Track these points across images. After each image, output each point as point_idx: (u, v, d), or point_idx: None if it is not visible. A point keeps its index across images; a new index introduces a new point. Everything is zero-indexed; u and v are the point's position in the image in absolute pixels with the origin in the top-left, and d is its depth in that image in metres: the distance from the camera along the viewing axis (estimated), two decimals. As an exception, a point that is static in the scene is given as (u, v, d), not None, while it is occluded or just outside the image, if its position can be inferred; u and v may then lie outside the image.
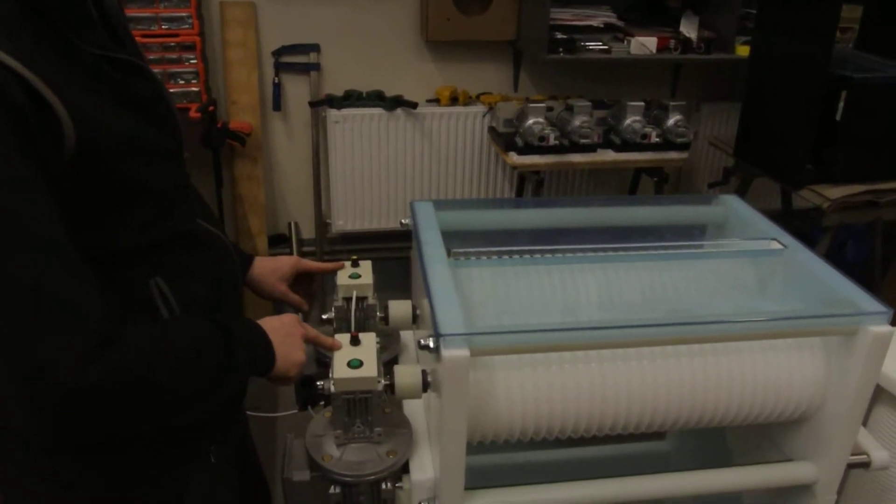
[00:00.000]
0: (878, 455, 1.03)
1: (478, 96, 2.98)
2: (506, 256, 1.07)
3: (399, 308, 1.10)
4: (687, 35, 2.78)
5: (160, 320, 0.83)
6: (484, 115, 2.91)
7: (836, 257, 1.08)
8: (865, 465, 1.03)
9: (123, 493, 0.89)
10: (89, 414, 0.70)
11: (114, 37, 0.84)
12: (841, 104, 2.11)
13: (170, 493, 0.92)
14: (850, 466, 1.01)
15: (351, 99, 2.85)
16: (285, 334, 0.95)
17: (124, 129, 0.79)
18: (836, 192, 2.16)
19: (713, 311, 1.06)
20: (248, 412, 1.20)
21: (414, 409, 1.05)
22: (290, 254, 3.13)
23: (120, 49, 0.82)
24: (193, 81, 2.64)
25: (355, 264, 1.13)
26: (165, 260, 0.86)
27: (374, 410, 0.95)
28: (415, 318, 1.11)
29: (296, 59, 2.85)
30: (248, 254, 1.17)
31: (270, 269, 1.17)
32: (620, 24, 2.85)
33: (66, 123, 0.71)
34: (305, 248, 3.13)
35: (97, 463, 0.87)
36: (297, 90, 2.90)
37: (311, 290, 1.23)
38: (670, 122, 2.65)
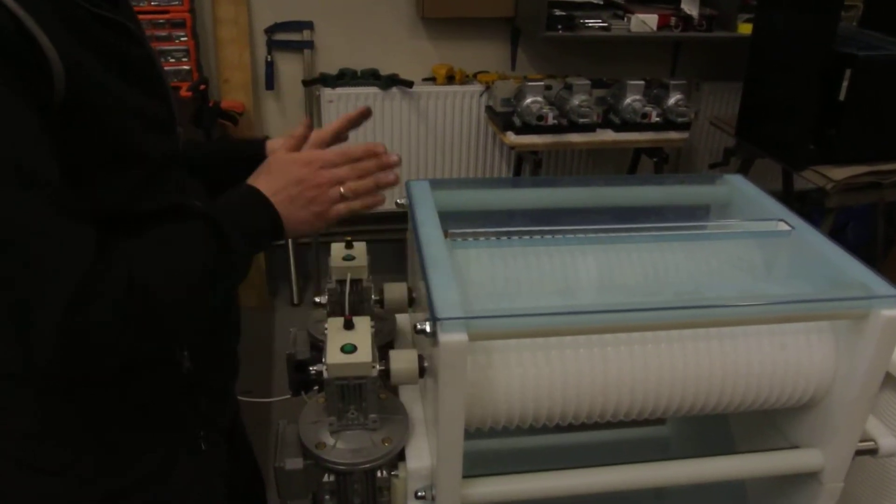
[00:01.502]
0: (886, 442, 1.01)
1: (475, 75, 2.93)
2: (504, 237, 1.04)
3: (395, 291, 1.07)
4: (688, 12, 2.73)
5: (144, 237, 0.78)
6: (481, 95, 2.87)
7: (836, 239, 1.05)
8: (873, 451, 1.00)
9: (107, 478, 0.86)
10: (88, 347, 0.68)
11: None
12: (845, 83, 2.08)
13: (155, 480, 0.89)
14: (858, 453, 0.99)
15: (345, 78, 2.80)
16: (292, 196, 0.84)
17: (113, 87, 0.76)
18: (838, 173, 2.13)
19: (718, 294, 1.03)
20: (241, 397, 1.17)
21: (410, 395, 1.02)
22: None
23: (114, 10, 0.79)
24: (184, 59, 2.59)
25: (349, 245, 1.10)
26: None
27: (369, 397, 0.92)
28: (411, 302, 1.08)
29: (289, 36, 2.79)
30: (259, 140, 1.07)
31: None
32: (620, 0, 2.80)
33: (57, 68, 0.68)
34: (300, 230, 3.08)
35: (81, 448, 0.84)
36: (290, 68, 2.85)
37: None
38: (671, 101, 2.61)
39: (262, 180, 0.85)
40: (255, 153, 1.02)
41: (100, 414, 0.84)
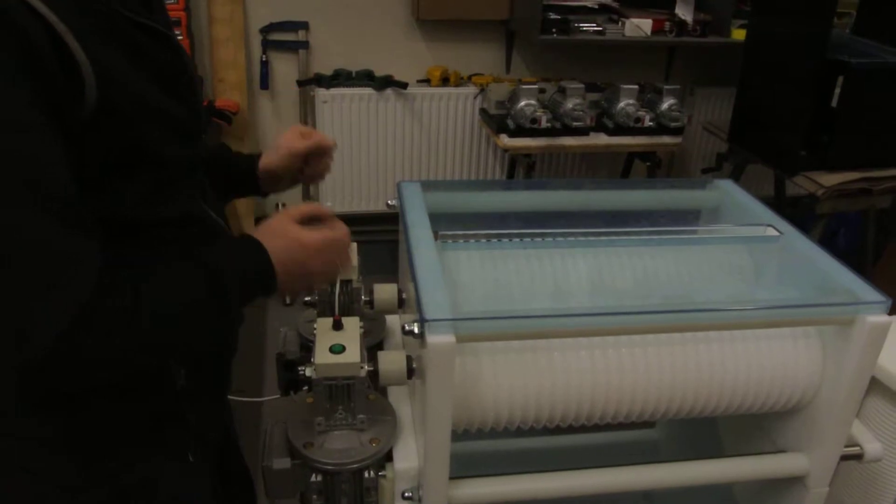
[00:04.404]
0: (871, 447, 1.01)
1: (469, 77, 2.94)
2: (495, 240, 1.04)
3: (385, 292, 1.07)
4: (682, 17, 2.74)
5: (148, 273, 0.78)
6: (475, 97, 2.87)
7: (827, 245, 1.06)
8: (858, 457, 1.01)
9: (92, 487, 0.86)
10: (80, 364, 0.69)
11: (147, 3, 0.82)
12: (837, 90, 2.09)
13: (140, 491, 0.89)
14: (843, 458, 1.00)
15: (340, 78, 2.80)
16: (288, 261, 0.84)
17: (144, 93, 0.76)
18: (830, 179, 2.14)
19: (707, 299, 1.04)
20: (232, 397, 1.17)
21: (398, 395, 1.02)
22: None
23: (149, 16, 0.80)
24: (179, 58, 2.59)
25: (340, 246, 1.10)
26: (166, 240, 0.83)
27: (357, 397, 0.92)
28: (401, 303, 1.08)
29: (284, 36, 2.79)
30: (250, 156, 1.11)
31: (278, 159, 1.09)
32: (615, 5, 2.81)
33: (89, 78, 0.68)
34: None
35: (67, 455, 0.84)
36: (285, 68, 2.85)
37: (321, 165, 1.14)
38: (664, 106, 2.62)
39: (275, 245, 0.84)
40: (250, 169, 1.09)
41: (89, 424, 0.83)
